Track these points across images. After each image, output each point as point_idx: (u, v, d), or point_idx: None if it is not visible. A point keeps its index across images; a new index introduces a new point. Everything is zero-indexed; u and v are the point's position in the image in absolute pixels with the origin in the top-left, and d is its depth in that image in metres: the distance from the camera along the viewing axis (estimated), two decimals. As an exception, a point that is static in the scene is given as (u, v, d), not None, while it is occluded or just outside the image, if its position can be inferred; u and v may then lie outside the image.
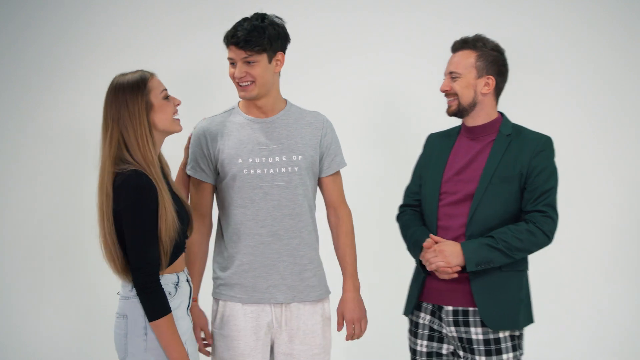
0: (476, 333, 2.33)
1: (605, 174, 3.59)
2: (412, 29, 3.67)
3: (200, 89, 3.52)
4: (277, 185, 2.42)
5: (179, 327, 2.18)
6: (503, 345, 2.33)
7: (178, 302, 2.23)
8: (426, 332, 2.45)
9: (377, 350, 3.64)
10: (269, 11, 2.44)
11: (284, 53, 2.44)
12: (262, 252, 2.42)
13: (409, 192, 2.59)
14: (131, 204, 2.09)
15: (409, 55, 3.62)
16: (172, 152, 2.50)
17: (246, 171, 2.41)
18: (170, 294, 2.20)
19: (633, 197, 3.58)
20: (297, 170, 2.44)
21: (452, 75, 2.41)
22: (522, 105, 3.61)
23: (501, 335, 2.33)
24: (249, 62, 2.36)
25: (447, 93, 2.44)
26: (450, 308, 2.37)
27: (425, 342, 2.45)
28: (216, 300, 2.49)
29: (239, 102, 2.54)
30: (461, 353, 2.39)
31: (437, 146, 2.53)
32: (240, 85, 2.40)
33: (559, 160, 3.58)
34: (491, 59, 2.40)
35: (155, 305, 2.12)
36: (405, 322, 2.59)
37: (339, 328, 2.55)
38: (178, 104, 2.26)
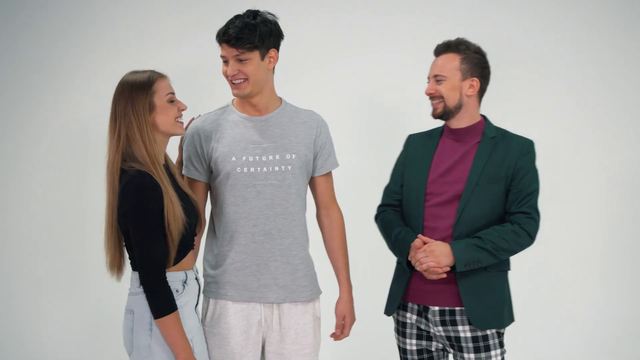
0: (464, 331, 2.37)
1: (607, 173, 3.58)
2: (412, 29, 3.67)
3: (201, 89, 3.52)
4: (270, 184, 2.41)
5: (185, 325, 2.20)
6: (491, 342, 2.37)
7: (185, 300, 2.25)
8: (414, 331, 2.47)
9: (364, 348, 3.65)
10: (271, 10, 2.44)
11: (277, 50, 2.43)
12: (254, 250, 2.42)
13: (389, 191, 2.60)
14: (135, 205, 2.12)
15: (409, 55, 3.62)
16: (170, 153, 2.50)
17: (239, 169, 2.40)
18: (177, 291, 2.22)
19: (631, 196, 3.58)
20: (291, 169, 2.43)
21: (437, 78, 2.44)
22: (521, 104, 3.62)
23: (488, 332, 2.37)
24: (241, 60, 2.35)
25: (433, 96, 2.46)
26: (436, 308, 2.40)
27: (414, 341, 2.48)
28: (207, 298, 2.48)
29: (233, 100, 2.53)
30: (450, 351, 2.43)
31: (420, 147, 2.55)
32: (233, 83, 2.39)
33: (558, 159, 3.61)
34: (475, 62, 2.44)
35: (160, 303, 2.14)
36: (389, 321, 2.59)
37: (339, 330, 2.55)
38: (183, 109, 2.27)
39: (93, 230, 3.79)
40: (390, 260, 2.62)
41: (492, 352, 2.37)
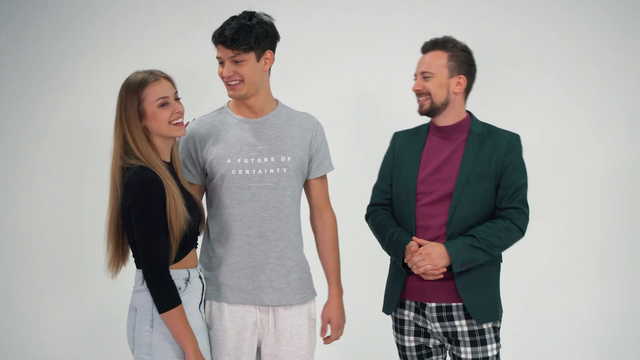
0: (461, 326, 2.39)
1: (607, 172, 3.58)
2: (412, 29, 3.66)
3: (201, 89, 3.52)
4: (265, 186, 2.41)
5: (189, 323, 2.22)
6: (487, 337, 2.40)
7: (189, 297, 2.26)
8: (412, 328, 2.49)
9: (360, 349, 3.66)
10: (268, 11, 2.44)
11: (273, 51, 2.43)
12: (249, 253, 2.42)
13: (379, 191, 2.61)
14: (138, 200, 2.15)
15: (409, 55, 3.59)
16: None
17: (234, 171, 2.40)
18: (180, 289, 2.24)
19: (631, 196, 3.58)
20: (286, 171, 2.43)
21: (424, 75, 2.45)
22: (521, 104, 3.62)
23: (485, 327, 2.40)
24: (236, 61, 2.35)
25: (420, 93, 2.47)
26: (433, 304, 2.42)
27: (412, 338, 2.49)
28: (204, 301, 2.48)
29: (228, 102, 2.53)
30: (447, 345, 2.46)
31: (407, 145, 2.55)
32: (229, 84, 2.39)
33: (558, 159, 3.61)
34: (462, 59, 2.47)
35: (165, 297, 2.17)
36: (383, 320, 2.59)
37: (323, 333, 2.54)
38: (178, 111, 2.27)
39: (93, 230, 3.79)
40: (385, 259, 2.62)
41: (489, 347, 2.39)
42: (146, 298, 2.21)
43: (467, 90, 2.51)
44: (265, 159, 2.42)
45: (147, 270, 2.17)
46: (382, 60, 3.69)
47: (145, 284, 2.21)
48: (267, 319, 2.44)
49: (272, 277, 2.42)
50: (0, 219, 3.99)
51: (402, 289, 2.48)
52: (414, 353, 2.50)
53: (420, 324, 2.47)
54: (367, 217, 2.64)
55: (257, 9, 2.45)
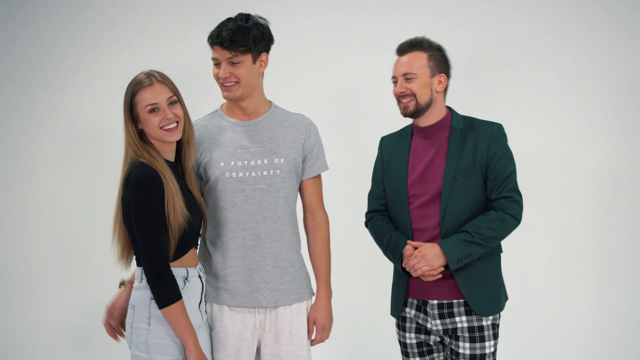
0: (461, 322, 2.42)
1: (607, 172, 3.58)
2: (412, 29, 3.65)
3: (201, 89, 3.52)
4: (259, 189, 2.41)
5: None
6: (486, 333, 2.42)
7: (187, 296, 2.27)
8: (413, 325, 2.51)
9: (359, 349, 3.67)
10: (268, 12, 2.44)
11: (268, 54, 2.44)
12: (245, 255, 2.42)
13: (373, 197, 2.63)
14: (137, 194, 2.17)
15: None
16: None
17: (228, 174, 2.41)
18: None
19: (631, 195, 3.58)
20: (279, 173, 2.43)
21: (407, 76, 2.45)
22: (521, 104, 3.62)
23: (484, 323, 2.42)
24: (233, 63, 2.36)
25: (404, 95, 2.46)
26: (435, 302, 2.44)
27: (413, 335, 2.52)
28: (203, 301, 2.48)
29: (222, 105, 2.54)
30: (447, 340, 2.47)
31: (394, 150, 2.57)
32: (224, 86, 2.40)
33: (558, 159, 3.61)
34: (440, 59, 2.48)
35: (165, 291, 2.18)
36: (383, 320, 2.59)
37: (309, 335, 2.52)
38: (167, 117, 2.26)
39: (93, 230, 3.81)
40: (384, 260, 2.63)
41: (487, 343, 2.42)
42: (144, 296, 2.22)
43: (446, 88, 2.53)
44: (259, 161, 2.42)
45: (147, 265, 2.18)
46: (383, 60, 3.68)
47: (143, 282, 2.22)
48: (266, 320, 2.45)
49: (268, 278, 2.43)
50: (0, 219, 3.99)
51: (405, 290, 2.50)
52: (415, 350, 2.53)
53: (420, 321, 2.49)
54: (366, 225, 2.66)
55: (258, 9, 2.45)
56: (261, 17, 2.41)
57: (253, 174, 2.41)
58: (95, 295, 3.85)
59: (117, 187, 2.28)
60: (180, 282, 2.25)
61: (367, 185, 2.69)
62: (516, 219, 2.41)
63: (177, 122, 2.28)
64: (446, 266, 2.38)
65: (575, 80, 3.59)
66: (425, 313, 2.47)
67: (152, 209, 2.17)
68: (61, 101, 3.94)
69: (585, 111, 3.59)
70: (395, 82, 2.49)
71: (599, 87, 3.58)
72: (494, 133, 2.44)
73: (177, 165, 2.37)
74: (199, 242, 2.43)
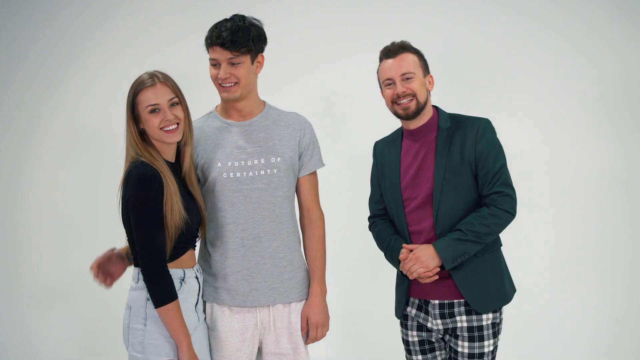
0: (461, 321, 2.43)
1: (607, 172, 3.58)
2: (412, 29, 3.66)
3: (201, 89, 3.52)
4: (256, 188, 2.42)
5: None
6: (485, 333, 2.43)
7: (184, 297, 2.28)
8: (415, 323, 2.53)
9: (359, 348, 3.67)
10: (269, 12, 2.45)
11: (263, 55, 2.45)
12: (244, 255, 2.43)
13: (373, 202, 2.65)
14: (137, 193, 2.18)
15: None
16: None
17: (225, 175, 2.42)
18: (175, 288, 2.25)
19: (631, 195, 3.58)
20: (277, 172, 2.44)
21: (405, 76, 2.45)
22: (519, 103, 3.62)
23: (484, 323, 2.42)
24: (233, 64, 2.36)
25: (405, 95, 2.45)
26: (436, 301, 2.45)
27: (415, 332, 2.54)
28: (204, 302, 2.49)
29: (216, 107, 2.55)
30: (447, 337, 2.49)
31: (385, 154, 2.58)
32: (223, 86, 2.40)
33: (558, 159, 3.61)
34: (424, 60, 2.51)
35: (161, 291, 2.18)
36: (383, 320, 2.59)
37: (303, 332, 2.51)
38: (167, 119, 2.27)
39: (93, 230, 3.81)
40: (384, 261, 2.64)
41: (485, 342, 2.43)
42: (140, 296, 2.23)
43: None
44: (256, 161, 2.43)
45: (144, 264, 2.18)
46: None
47: (140, 282, 2.23)
48: (267, 319, 2.45)
49: (267, 277, 2.44)
50: (0, 219, 3.98)
51: (407, 290, 2.52)
52: (417, 348, 2.54)
53: (421, 321, 2.51)
54: (369, 229, 2.68)
55: (259, 9, 2.45)
56: (255, 19, 2.42)
57: (250, 173, 2.42)
58: (95, 295, 3.86)
59: (118, 186, 2.28)
60: (176, 283, 2.26)
61: (368, 185, 2.69)
62: (510, 213, 2.40)
63: (177, 123, 2.29)
64: (443, 267, 2.38)
65: (575, 80, 3.59)
66: (426, 312, 2.48)
67: (151, 208, 2.17)
68: (61, 101, 3.94)
69: (585, 111, 3.59)
70: (389, 85, 2.48)
71: (599, 87, 3.57)
72: (481, 128, 2.44)
73: (177, 166, 2.37)
74: (197, 244, 2.43)
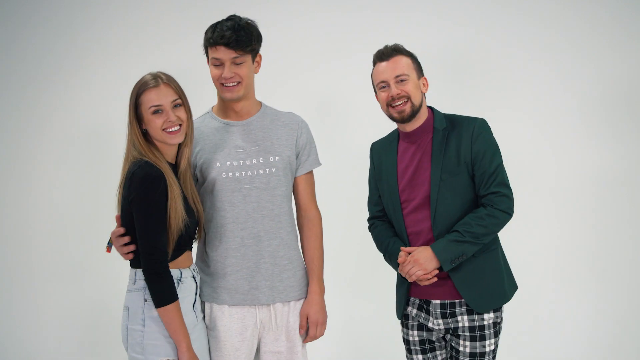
0: (462, 321, 2.44)
1: (607, 172, 3.58)
2: (412, 29, 3.66)
3: (201, 89, 3.52)
4: (255, 187, 2.43)
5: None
6: (487, 332, 2.44)
7: (181, 296, 2.28)
8: (415, 323, 2.54)
9: (359, 349, 3.67)
10: (267, 12, 2.45)
11: (261, 55, 2.47)
12: (244, 254, 2.43)
13: (371, 204, 2.66)
14: (140, 193, 2.18)
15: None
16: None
17: (224, 175, 2.43)
18: None
19: (631, 196, 3.58)
20: (275, 171, 2.45)
21: (400, 78, 2.45)
22: (519, 103, 3.62)
23: (485, 322, 2.43)
24: (237, 63, 2.37)
25: (400, 97, 2.45)
26: (437, 301, 2.46)
27: (416, 332, 2.54)
28: (202, 302, 2.49)
29: (213, 107, 2.56)
30: (448, 336, 2.50)
31: (383, 156, 2.59)
32: (226, 86, 2.40)
33: (558, 159, 3.61)
34: (417, 62, 2.51)
35: (163, 291, 2.19)
36: (383, 321, 2.59)
37: (302, 330, 2.52)
38: (170, 120, 2.27)
39: (93, 230, 3.80)
40: (384, 261, 2.64)
41: (487, 342, 2.44)
42: (138, 297, 2.24)
43: None
44: (254, 160, 2.44)
45: (146, 264, 2.19)
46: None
47: (137, 284, 2.24)
48: (267, 318, 2.46)
49: (267, 276, 2.45)
50: (0, 219, 3.99)
51: (407, 291, 2.52)
52: (418, 347, 2.55)
53: (421, 321, 2.51)
54: (369, 230, 2.69)
55: (259, 9, 2.46)
56: (249, 19, 2.43)
57: (249, 173, 2.43)
58: (95, 295, 3.87)
59: (118, 186, 2.28)
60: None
61: (366, 185, 2.69)
62: (507, 213, 2.41)
63: (180, 125, 2.29)
64: (441, 268, 2.39)
65: (574, 80, 3.59)
66: (427, 312, 2.48)
67: (156, 209, 2.18)
68: (61, 101, 3.94)
69: (585, 111, 3.60)
70: (383, 88, 2.48)
71: (599, 87, 3.58)
72: (477, 128, 2.44)
73: (175, 168, 2.37)
74: (193, 245, 2.44)
